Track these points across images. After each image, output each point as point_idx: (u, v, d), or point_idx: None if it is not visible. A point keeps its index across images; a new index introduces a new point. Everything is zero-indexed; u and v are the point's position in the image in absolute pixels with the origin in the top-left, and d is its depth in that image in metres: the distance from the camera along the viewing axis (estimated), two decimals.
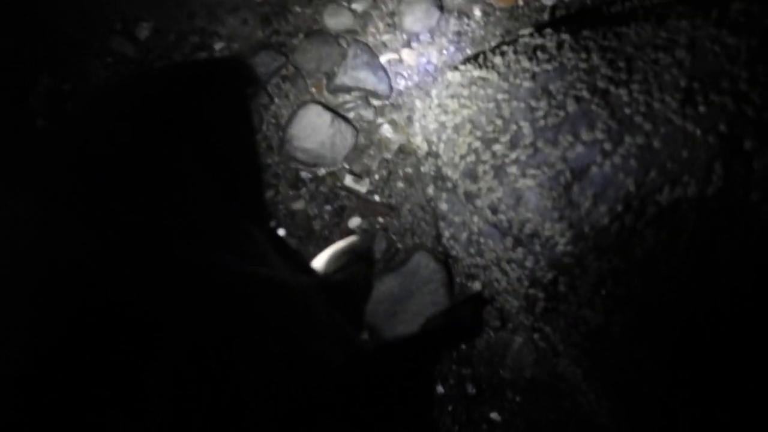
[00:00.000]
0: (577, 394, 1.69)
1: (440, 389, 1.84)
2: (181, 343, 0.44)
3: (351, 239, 1.40)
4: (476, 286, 1.81)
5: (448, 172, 1.55)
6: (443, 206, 1.67)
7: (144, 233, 0.51)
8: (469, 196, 1.46)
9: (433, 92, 1.71)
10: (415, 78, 2.00)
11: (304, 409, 0.50)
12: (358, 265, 1.18)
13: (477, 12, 2.02)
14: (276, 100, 2.00)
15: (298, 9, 2.08)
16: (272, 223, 0.93)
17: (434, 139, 1.61)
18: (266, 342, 0.50)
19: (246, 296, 0.53)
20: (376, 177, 1.95)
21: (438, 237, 1.84)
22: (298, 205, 1.94)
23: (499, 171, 1.40)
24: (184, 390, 0.42)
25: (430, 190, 1.73)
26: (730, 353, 1.38)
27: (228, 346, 0.47)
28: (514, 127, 1.43)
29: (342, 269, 1.19)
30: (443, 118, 1.60)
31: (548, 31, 1.64)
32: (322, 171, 1.96)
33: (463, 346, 1.86)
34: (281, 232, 0.94)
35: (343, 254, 1.24)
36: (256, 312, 0.53)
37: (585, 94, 1.37)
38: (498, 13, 2.02)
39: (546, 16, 1.98)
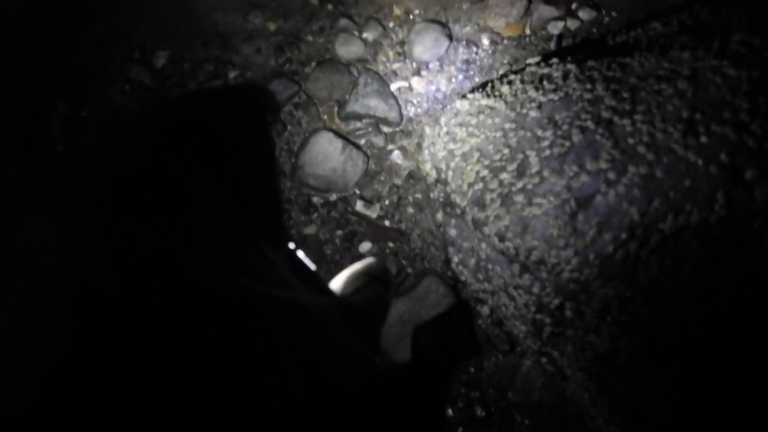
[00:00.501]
0: (585, 418, 1.70)
1: (449, 412, 1.86)
2: (198, 364, 0.46)
3: (367, 261, 1.42)
4: (485, 310, 1.84)
5: (457, 199, 1.58)
6: (452, 232, 1.70)
7: (163, 256, 0.53)
8: (477, 224, 1.50)
9: (442, 120, 1.75)
10: (425, 106, 2.05)
11: (319, 429, 0.52)
12: (374, 287, 1.20)
13: (485, 41, 2.06)
14: (288, 127, 2.05)
15: (310, 38, 2.13)
16: (290, 245, 0.96)
17: (443, 166, 1.64)
18: (283, 363, 0.52)
19: (263, 318, 0.55)
20: (387, 202, 1.99)
21: (447, 262, 1.87)
22: (310, 230, 1.98)
23: (506, 199, 1.44)
24: (201, 410, 0.44)
25: (440, 216, 1.77)
26: (735, 378, 1.39)
27: (245, 368, 0.49)
28: (520, 156, 1.46)
29: (358, 291, 1.21)
30: (452, 146, 1.63)
31: (554, 60, 1.68)
32: (333, 196, 2.00)
33: (472, 369, 1.88)
34: (300, 254, 0.97)
35: (360, 276, 1.27)
36: (273, 333, 0.54)
37: (590, 124, 1.40)
38: (505, 41, 2.06)
39: (552, 45, 2.02)
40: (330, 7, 2.16)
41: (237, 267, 0.57)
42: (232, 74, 2.11)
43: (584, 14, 2.05)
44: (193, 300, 0.49)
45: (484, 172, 1.51)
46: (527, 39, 2.06)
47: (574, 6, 2.07)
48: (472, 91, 1.80)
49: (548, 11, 2.04)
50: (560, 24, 2.04)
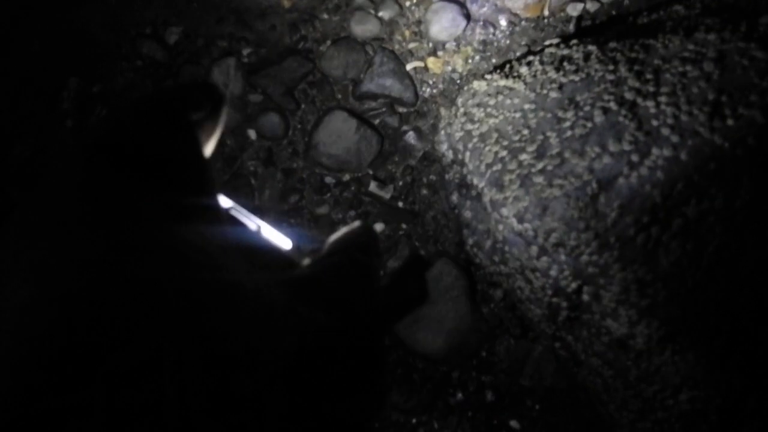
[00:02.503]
0: (597, 404, 1.69)
1: (460, 395, 1.85)
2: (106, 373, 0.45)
3: (346, 228, 1.40)
4: (498, 293, 1.82)
5: (474, 180, 1.56)
6: (467, 214, 1.68)
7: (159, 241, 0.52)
8: (495, 205, 1.48)
9: (459, 100, 1.73)
10: (440, 86, 2.02)
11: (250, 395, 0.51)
12: (340, 255, 1.17)
13: (503, 22, 2.03)
14: (302, 105, 2.03)
15: (325, 16, 2.10)
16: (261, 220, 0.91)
17: (460, 147, 1.62)
18: (206, 348, 0.51)
19: (182, 305, 0.53)
20: (400, 184, 1.97)
21: (461, 244, 1.85)
22: (322, 210, 1.96)
23: (525, 180, 1.41)
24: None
25: (455, 197, 1.75)
26: (754, 369, 1.38)
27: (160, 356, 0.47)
28: (540, 137, 1.44)
29: (316, 263, 1.18)
30: (469, 126, 1.61)
31: (574, 41, 1.66)
32: (346, 176, 1.98)
33: (484, 353, 1.86)
34: (262, 223, 0.91)
35: (331, 245, 1.24)
36: (195, 321, 0.53)
37: (612, 105, 1.38)
38: (524, 23, 2.03)
39: (572, 27, 1.99)
40: None
41: (168, 260, 0.55)
42: (245, 51, 2.09)
43: None
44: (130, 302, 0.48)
45: (503, 153, 1.48)
46: (546, 20, 2.03)
47: None
48: (490, 71, 1.78)
49: None
50: (579, 6, 2.00)
